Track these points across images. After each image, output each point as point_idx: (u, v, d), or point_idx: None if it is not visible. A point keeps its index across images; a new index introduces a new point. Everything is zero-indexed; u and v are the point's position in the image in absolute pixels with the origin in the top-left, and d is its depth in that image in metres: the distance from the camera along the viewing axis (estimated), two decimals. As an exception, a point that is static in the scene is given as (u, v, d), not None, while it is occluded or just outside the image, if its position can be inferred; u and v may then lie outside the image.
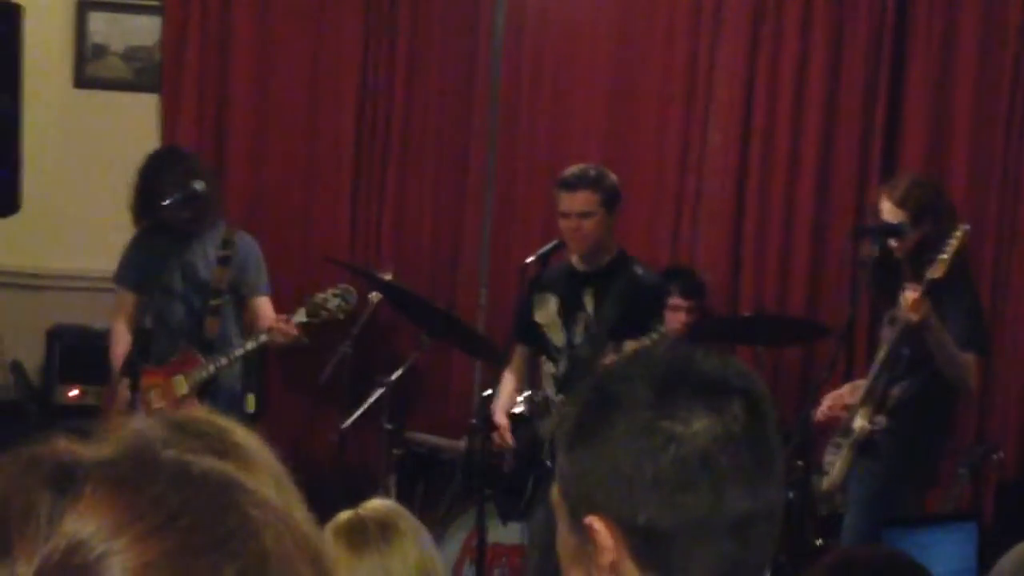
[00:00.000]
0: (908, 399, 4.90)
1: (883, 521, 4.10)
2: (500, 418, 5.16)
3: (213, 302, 5.46)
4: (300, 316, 5.31)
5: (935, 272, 4.69)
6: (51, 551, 0.78)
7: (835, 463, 4.91)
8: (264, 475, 0.90)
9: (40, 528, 0.79)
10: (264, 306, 5.55)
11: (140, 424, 0.86)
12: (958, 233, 4.74)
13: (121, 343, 5.42)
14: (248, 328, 5.55)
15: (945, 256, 4.70)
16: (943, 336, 4.78)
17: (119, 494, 0.80)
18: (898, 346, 4.85)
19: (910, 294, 4.68)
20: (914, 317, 4.69)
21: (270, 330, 5.32)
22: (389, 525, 2.51)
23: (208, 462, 0.85)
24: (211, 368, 5.38)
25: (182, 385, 5.38)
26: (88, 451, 0.84)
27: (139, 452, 0.84)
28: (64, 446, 0.85)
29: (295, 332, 5.30)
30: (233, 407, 5.50)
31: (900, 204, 4.90)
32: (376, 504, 2.63)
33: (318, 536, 0.88)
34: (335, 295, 5.36)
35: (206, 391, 5.42)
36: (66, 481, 0.81)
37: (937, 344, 4.78)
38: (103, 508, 0.79)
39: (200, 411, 0.94)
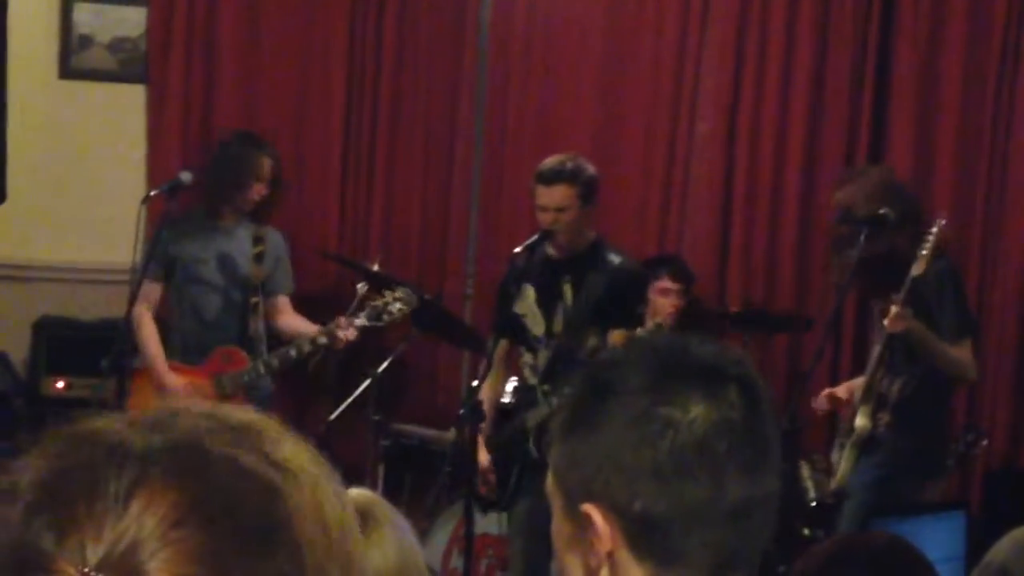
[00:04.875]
0: (908, 394, 4.91)
1: (872, 510, 4.10)
2: (483, 457, 5.05)
3: (254, 299, 5.38)
4: (362, 320, 5.20)
5: (917, 269, 4.70)
6: (119, 536, 0.79)
7: (839, 462, 4.91)
8: (300, 474, 0.92)
9: (109, 506, 0.80)
10: (286, 304, 5.50)
11: (187, 416, 0.89)
12: (934, 229, 4.75)
13: (146, 328, 5.33)
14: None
15: (925, 252, 4.71)
16: (930, 341, 4.79)
17: (183, 482, 0.82)
18: (888, 348, 4.86)
19: (892, 308, 4.69)
20: (897, 328, 4.71)
21: (330, 333, 5.20)
22: (367, 514, 2.50)
23: (251, 458, 0.87)
24: (260, 369, 5.27)
25: (225, 385, 5.29)
26: (136, 435, 0.86)
27: (193, 443, 0.86)
28: (111, 426, 0.87)
29: (354, 336, 5.19)
30: (264, 408, 5.44)
31: (868, 200, 4.90)
32: (353, 493, 2.61)
33: (348, 535, 0.93)
34: (396, 298, 5.22)
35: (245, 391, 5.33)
36: (126, 461, 0.83)
37: (926, 352, 4.80)
38: (171, 494, 0.81)
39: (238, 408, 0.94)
